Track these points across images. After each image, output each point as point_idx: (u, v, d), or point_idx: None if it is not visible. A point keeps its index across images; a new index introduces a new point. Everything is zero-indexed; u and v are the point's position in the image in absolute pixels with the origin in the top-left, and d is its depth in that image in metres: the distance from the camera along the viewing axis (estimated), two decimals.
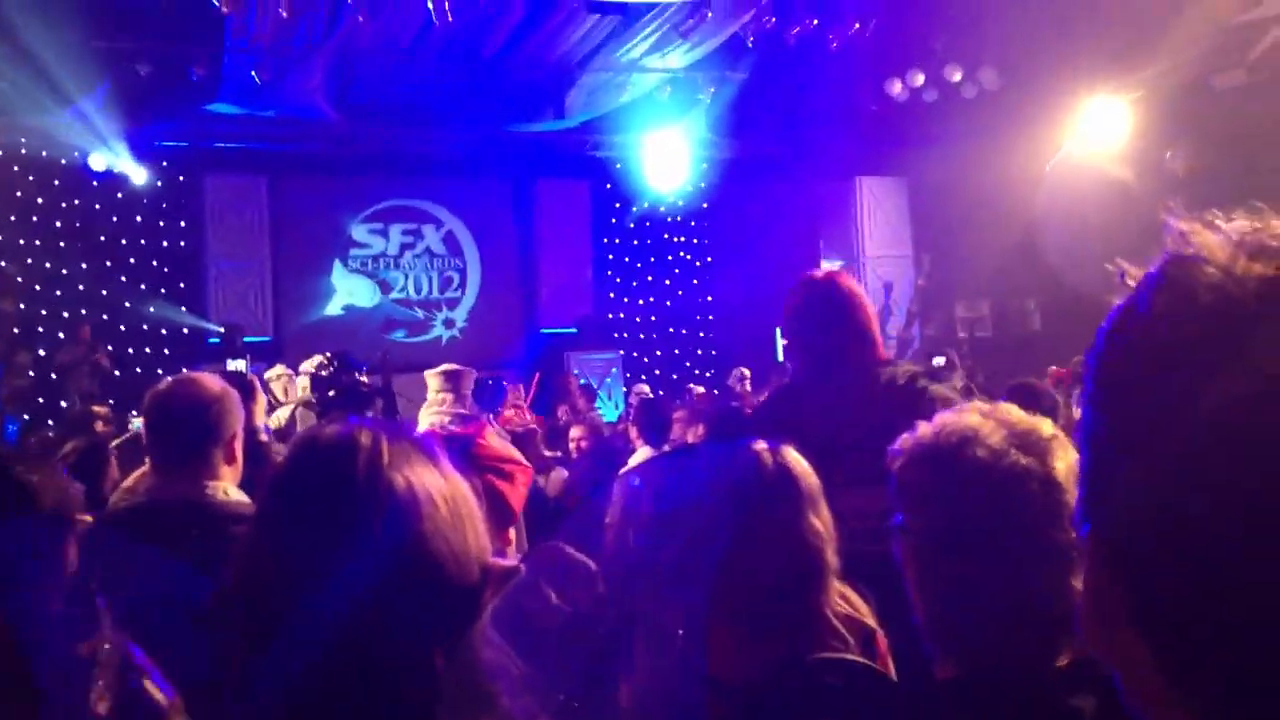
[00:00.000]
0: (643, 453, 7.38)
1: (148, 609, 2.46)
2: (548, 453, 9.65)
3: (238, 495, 3.15)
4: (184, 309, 17.47)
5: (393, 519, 1.34)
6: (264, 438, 4.14)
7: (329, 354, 11.85)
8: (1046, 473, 1.63)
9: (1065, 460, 1.64)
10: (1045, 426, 1.70)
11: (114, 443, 8.31)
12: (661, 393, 16.17)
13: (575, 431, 9.37)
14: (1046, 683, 1.60)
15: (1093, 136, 16.02)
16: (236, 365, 6.11)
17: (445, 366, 5.92)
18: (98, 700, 2.18)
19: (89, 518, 2.79)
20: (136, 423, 9.88)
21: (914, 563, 1.70)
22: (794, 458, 2.47)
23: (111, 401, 14.50)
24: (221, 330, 17.00)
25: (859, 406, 3.53)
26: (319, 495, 1.38)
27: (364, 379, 12.30)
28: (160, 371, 16.92)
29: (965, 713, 1.62)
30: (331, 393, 10.08)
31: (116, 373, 16.01)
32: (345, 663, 1.31)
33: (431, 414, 5.28)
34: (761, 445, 2.46)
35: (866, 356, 3.72)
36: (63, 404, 14.84)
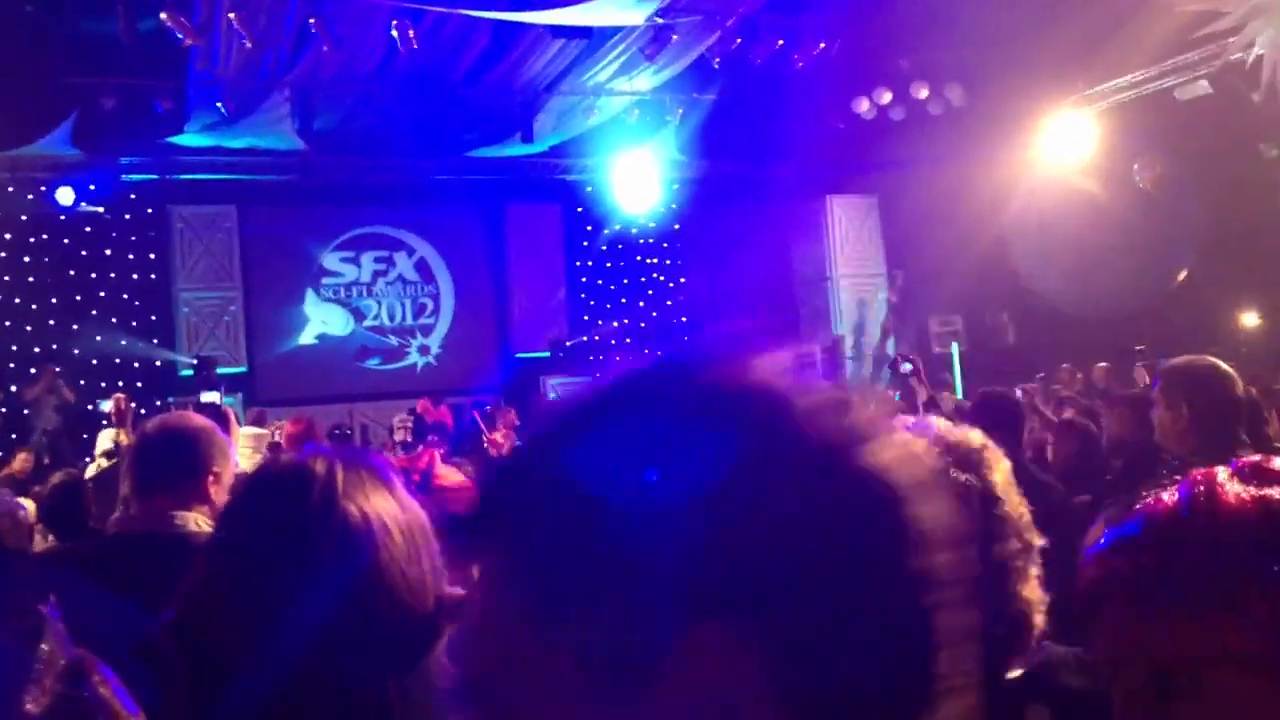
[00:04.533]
0: None
1: (95, 648, 2.42)
2: None
3: (209, 526, 3.11)
4: (155, 341, 17.35)
5: (347, 549, 1.32)
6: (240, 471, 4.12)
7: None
8: (986, 487, 1.59)
9: (1000, 471, 1.61)
10: (974, 438, 1.66)
11: (87, 476, 8.26)
12: None
13: None
14: (1000, 693, 1.58)
15: (1060, 150, 16.13)
16: (210, 397, 6.01)
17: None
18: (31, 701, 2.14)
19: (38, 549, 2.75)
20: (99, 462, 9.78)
21: None
22: None
23: (83, 436, 14.43)
24: (194, 362, 16.90)
25: None
26: (272, 525, 1.36)
27: None
28: (134, 405, 16.80)
29: None
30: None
31: (90, 407, 15.93)
32: (297, 693, 1.29)
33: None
34: None
35: None
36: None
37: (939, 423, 1.70)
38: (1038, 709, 1.54)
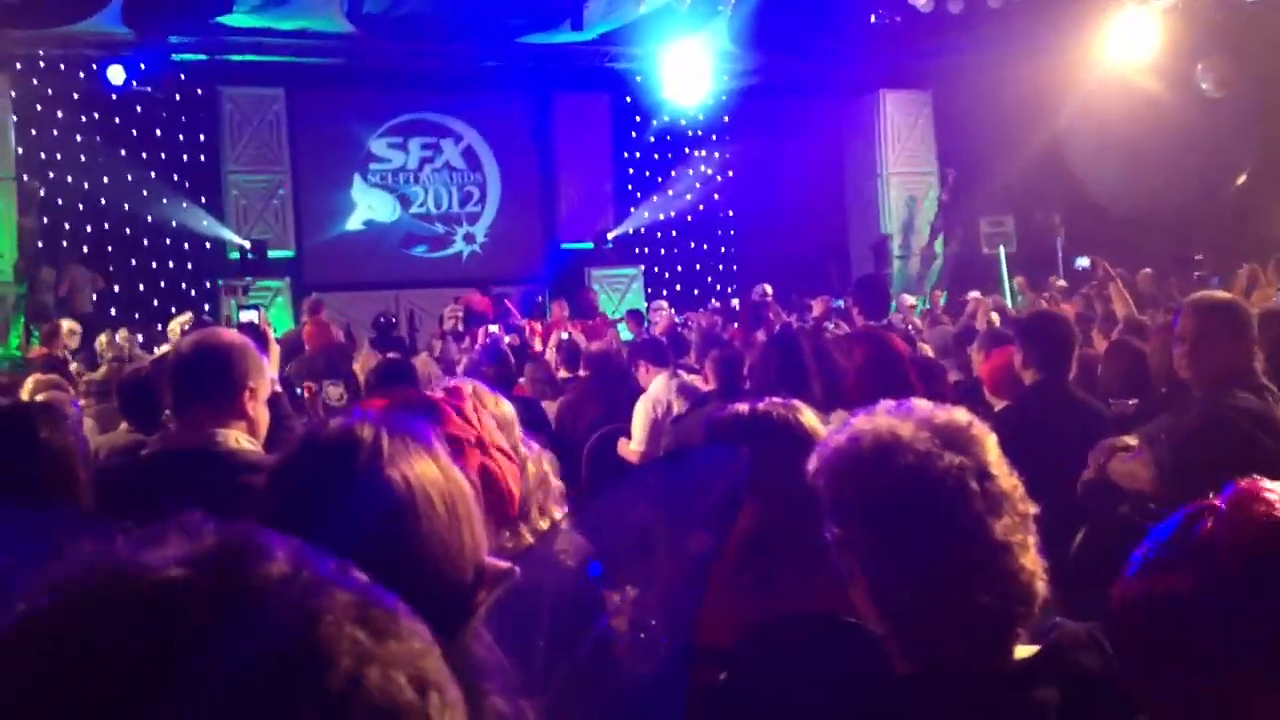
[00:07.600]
0: (658, 381, 7.38)
1: None
2: (564, 374, 9.57)
3: (249, 444, 3.16)
4: (205, 224, 17.46)
5: (389, 517, 1.35)
6: (276, 389, 4.14)
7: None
8: (980, 466, 1.59)
9: (989, 447, 1.62)
10: (960, 416, 1.66)
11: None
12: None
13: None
14: (1008, 676, 1.59)
15: (1122, 49, 15.72)
16: (249, 316, 5.99)
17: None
18: None
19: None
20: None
21: (860, 576, 1.65)
22: (806, 414, 2.49)
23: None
24: (246, 245, 17.00)
25: None
26: (317, 492, 1.40)
27: None
28: (184, 285, 17.09)
29: (928, 711, 1.62)
30: None
31: (116, 288, 16.30)
32: None
33: None
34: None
35: None
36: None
37: (921, 404, 1.70)
38: (1047, 691, 1.56)
